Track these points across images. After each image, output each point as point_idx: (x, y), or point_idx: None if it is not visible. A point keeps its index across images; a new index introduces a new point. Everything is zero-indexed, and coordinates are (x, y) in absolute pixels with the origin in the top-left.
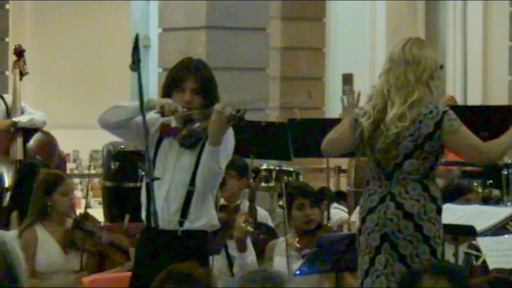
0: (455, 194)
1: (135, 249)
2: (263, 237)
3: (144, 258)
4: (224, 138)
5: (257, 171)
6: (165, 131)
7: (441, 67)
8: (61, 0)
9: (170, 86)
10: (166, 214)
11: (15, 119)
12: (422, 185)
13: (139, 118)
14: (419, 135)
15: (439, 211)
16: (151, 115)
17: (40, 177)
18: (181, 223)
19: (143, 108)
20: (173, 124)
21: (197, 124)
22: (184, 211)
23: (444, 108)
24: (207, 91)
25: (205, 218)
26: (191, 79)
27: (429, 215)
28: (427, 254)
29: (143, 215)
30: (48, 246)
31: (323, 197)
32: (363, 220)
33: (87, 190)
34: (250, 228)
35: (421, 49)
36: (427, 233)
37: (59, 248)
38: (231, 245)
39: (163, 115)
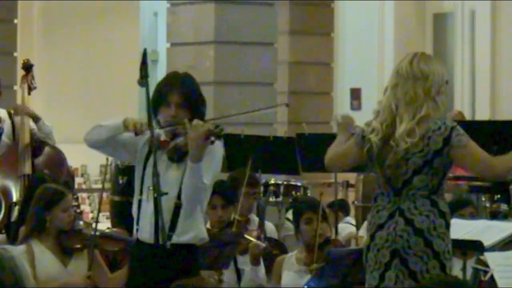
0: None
1: (128, 264)
2: (275, 252)
3: (136, 273)
4: (206, 153)
5: (265, 185)
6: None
7: (447, 82)
8: (70, 15)
9: (157, 101)
10: (151, 229)
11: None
12: (431, 200)
13: (124, 135)
14: (428, 151)
15: (448, 226)
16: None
17: (39, 191)
18: (169, 237)
19: (151, 121)
20: (162, 137)
21: (181, 139)
22: (172, 225)
23: (452, 124)
24: (192, 105)
25: (193, 232)
26: (176, 94)
27: (438, 231)
28: (437, 270)
29: (134, 229)
30: (46, 260)
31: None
32: (372, 237)
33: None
34: (265, 244)
35: (429, 64)
36: (437, 249)
37: (57, 261)
38: (240, 259)
39: (136, 134)
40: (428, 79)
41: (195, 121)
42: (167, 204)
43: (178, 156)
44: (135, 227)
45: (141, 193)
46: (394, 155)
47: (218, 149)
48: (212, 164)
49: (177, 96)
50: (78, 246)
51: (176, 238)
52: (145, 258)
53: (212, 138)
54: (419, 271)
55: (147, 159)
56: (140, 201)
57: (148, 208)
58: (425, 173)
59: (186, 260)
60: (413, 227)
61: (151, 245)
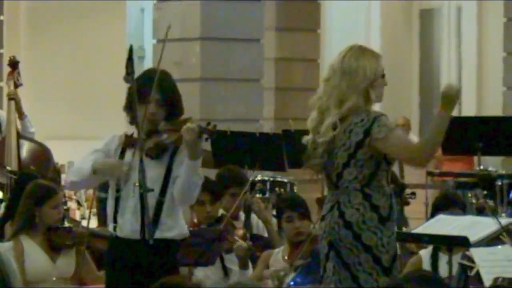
0: (445, 205)
1: (105, 261)
2: (259, 254)
3: (116, 270)
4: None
5: (252, 182)
6: (129, 143)
7: (383, 76)
8: (56, 11)
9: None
10: (136, 225)
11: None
12: (363, 193)
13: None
14: (350, 144)
15: (382, 220)
16: (109, 141)
17: (31, 187)
18: (152, 233)
19: (136, 117)
20: (135, 135)
21: (165, 136)
22: (155, 222)
23: (375, 115)
24: (172, 103)
25: (177, 228)
26: (155, 91)
27: (368, 224)
28: (370, 263)
29: (110, 227)
30: (35, 256)
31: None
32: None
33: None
34: (249, 244)
35: (358, 59)
36: (367, 242)
37: (46, 257)
38: (227, 256)
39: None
40: (358, 75)
41: (188, 124)
42: (150, 201)
43: (157, 153)
44: (111, 224)
45: (118, 190)
46: (319, 147)
47: None
48: None
49: (157, 93)
50: (68, 243)
51: (160, 234)
52: (126, 255)
53: (206, 136)
54: (352, 263)
55: (121, 157)
56: (118, 198)
57: (128, 205)
58: (352, 165)
59: (168, 256)
60: (343, 220)
61: (133, 242)
